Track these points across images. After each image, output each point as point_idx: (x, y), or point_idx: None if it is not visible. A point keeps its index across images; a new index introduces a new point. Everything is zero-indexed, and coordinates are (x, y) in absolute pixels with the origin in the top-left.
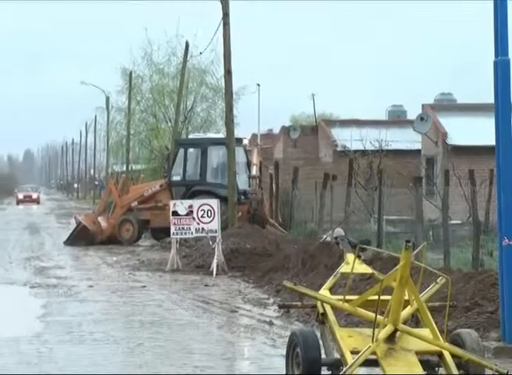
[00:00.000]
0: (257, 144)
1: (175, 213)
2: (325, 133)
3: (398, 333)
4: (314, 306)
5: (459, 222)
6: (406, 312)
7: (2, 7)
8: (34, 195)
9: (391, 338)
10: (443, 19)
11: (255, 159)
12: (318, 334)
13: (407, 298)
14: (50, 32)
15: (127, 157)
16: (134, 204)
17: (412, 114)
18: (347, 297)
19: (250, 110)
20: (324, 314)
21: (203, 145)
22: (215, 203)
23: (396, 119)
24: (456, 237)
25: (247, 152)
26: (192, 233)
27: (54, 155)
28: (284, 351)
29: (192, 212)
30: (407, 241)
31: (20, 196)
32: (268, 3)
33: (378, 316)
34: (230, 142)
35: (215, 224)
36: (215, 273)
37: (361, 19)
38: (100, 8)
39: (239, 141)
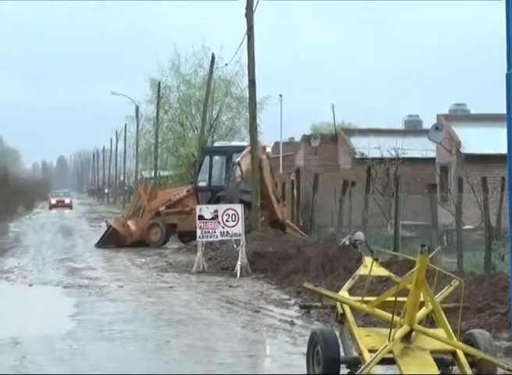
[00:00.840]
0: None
1: (201, 217)
2: (344, 141)
3: (414, 332)
4: (334, 307)
5: (471, 227)
6: (421, 312)
7: (43, 22)
8: (67, 200)
9: (407, 338)
10: (458, 32)
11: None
12: (338, 334)
13: (422, 299)
14: (83, 45)
15: (155, 164)
16: (162, 208)
17: (427, 124)
18: (365, 298)
19: (272, 119)
20: (343, 314)
21: (228, 153)
22: (239, 208)
23: (412, 128)
24: (469, 241)
25: (270, 160)
26: (217, 236)
27: (85, 162)
28: (305, 350)
29: (217, 216)
30: (423, 245)
31: (53, 201)
32: (289, 16)
33: (394, 317)
34: (254, 150)
35: (239, 228)
36: (238, 274)
37: (381, 34)
38: (130, 22)
39: (262, 148)
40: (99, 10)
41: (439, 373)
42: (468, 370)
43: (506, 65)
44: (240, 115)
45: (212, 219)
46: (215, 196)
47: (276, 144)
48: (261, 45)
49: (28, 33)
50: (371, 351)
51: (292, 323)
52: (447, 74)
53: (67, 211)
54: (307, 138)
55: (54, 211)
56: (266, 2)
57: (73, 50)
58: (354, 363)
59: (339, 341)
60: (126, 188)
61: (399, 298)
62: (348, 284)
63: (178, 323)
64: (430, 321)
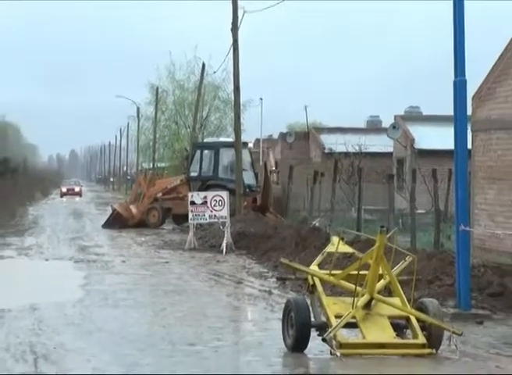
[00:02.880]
0: (268, 148)
1: (192, 203)
2: (315, 138)
3: (373, 301)
4: (306, 279)
5: (423, 211)
6: (380, 284)
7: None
8: (77, 189)
9: (368, 305)
10: (415, 43)
11: (272, 158)
12: (309, 302)
13: (381, 272)
14: (92, 54)
15: (153, 157)
16: (159, 195)
17: (386, 123)
18: (333, 271)
19: (254, 119)
20: (313, 285)
21: (216, 147)
22: (225, 195)
23: (373, 127)
24: (421, 223)
25: (252, 153)
26: (206, 219)
27: (94, 155)
28: (281, 315)
29: (206, 202)
30: (382, 227)
31: (64, 189)
32: (270, 30)
33: (357, 288)
34: (238, 145)
35: (225, 212)
36: (224, 251)
37: (348, 45)
38: (132, 34)
39: (245, 144)
40: (108, 26)
41: (395, 335)
42: (419, 333)
43: (453, 73)
44: (226, 115)
45: (202, 204)
46: (204, 184)
47: (257, 140)
48: (244, 55)
49: (46, 43)
50: (337, 316)
51: (270, 293)
52: (404, 80)
53: (77, 198)
54: (283, 135)
55: (64, 199)
56: (249, 19)
57: (84, 58)
58: (323, 327)
59: (310, 308)
60: (128, 177)
61: (361, 272)
62: (318, 260)
63: (173, 293)
64: (387, 291)
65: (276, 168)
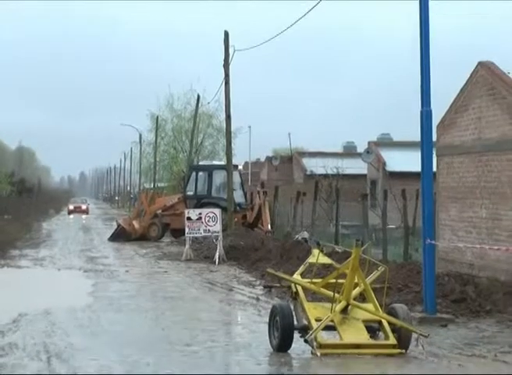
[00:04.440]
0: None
1: (189, 218)
2: (298, 161)
3: (350, 306)
4: (289, 287)
5: (394, 226)
6: (355, 291)
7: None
8: (83, 206)
9: (345, 310)
10: (386, 75)
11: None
12: (292, 307)
13: (356, 281)
14: (99, 84)
15: (154, 178)
16: (159, 211)
17: (361, 148)
18: (313, 280)
19: (243, 144)
20: (296, 292)
21: (209, 170)
22: (217, 211)
23: (349, 151)
24: (392, 237)
25: (241, 175)
26: (201, 233)
27: (101, 176)
28: (267, 319)
29: (201, 218)
30: (357, 240)
31: (71, 207)
32: (257, 63)
33: (335, 294)
34: (229, 168)
35: (218, 227)
36: (217, 262)
37: (327, 77)
38: (135, 67)
39: (235, 166)
40: (114, 62)
41: (368, 336)
42: (390, 334)
43: (420, 104)
44: (218, 141)
45: (197, 220)
46: (199, 202)
47: (246, 163)
48: (235, 87)
49: (59, 73)
50: (317, 320)
51: (257, 299)
52: (376, 109)
53: (84, 215)
54: (269, 159)
55: (71, 216)
56: (239, 55)
57: (91, 88)
58: (305, 329)
59: (293, 313)
60: (131, 196)
61: (339, 280)
62: (300, 270)
63: (171, 299)
64: (362, 298)
65: (263, 188)
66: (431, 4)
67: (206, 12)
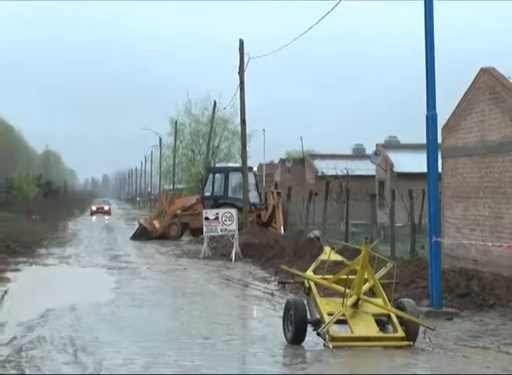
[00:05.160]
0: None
1: (206, 218)
2: (309, 163)
3: (360, 301)
4: (302, 283)
5: (401, 225)
6: (365, 286)
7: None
8: (106, 207)
9: (355, 305)
10: (396, 79)
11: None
12: (305, 302)
13: (366, 277)
14: (122, 91)
15: (173, 179)
16: (178, 212)
17: (369, 150)
18: (325, 276)
19: (258, 147)
20: (309, 288)
21: (226, 171)
22: (234, 211)
23: (358, 153)
24: (400, 235)
25: (256, 176)
26: (218, 232)
27: (123, 178)
28: (281, 313)
29: (218, 217)
30: (366, 238)
31: (94, 208)
32: (273, 69)
33: (346, 290)
34: (244, 169)
35: (234, 226)
36: (233, 259)
37: (338, 82)
38: (152, 74)
39: (250, 168)
40: (135, 73)
41: (378, 329)
42: (399, 328)
43: (426, 108)
44: (234, 144)
45: (215, 219)
46: (216, 203)
47: (260, 165)
48: (249, 92)
49: (82, 79)
50: (329, 314)
51: (272, 294)
52: (385, 112)
53: (106, 216)
54: (282, 161)
55: (94, 217)
56: (254, 62)
57: (113, 95)
58: (317, 323)
59: (307, 308)
60: (152, 197)
61: (349, 276)
62: (313, 266)
63: (190, 294)
64: (372, 293)
65: (276, 188)
66: (436, 12)
67: (221, 22)
